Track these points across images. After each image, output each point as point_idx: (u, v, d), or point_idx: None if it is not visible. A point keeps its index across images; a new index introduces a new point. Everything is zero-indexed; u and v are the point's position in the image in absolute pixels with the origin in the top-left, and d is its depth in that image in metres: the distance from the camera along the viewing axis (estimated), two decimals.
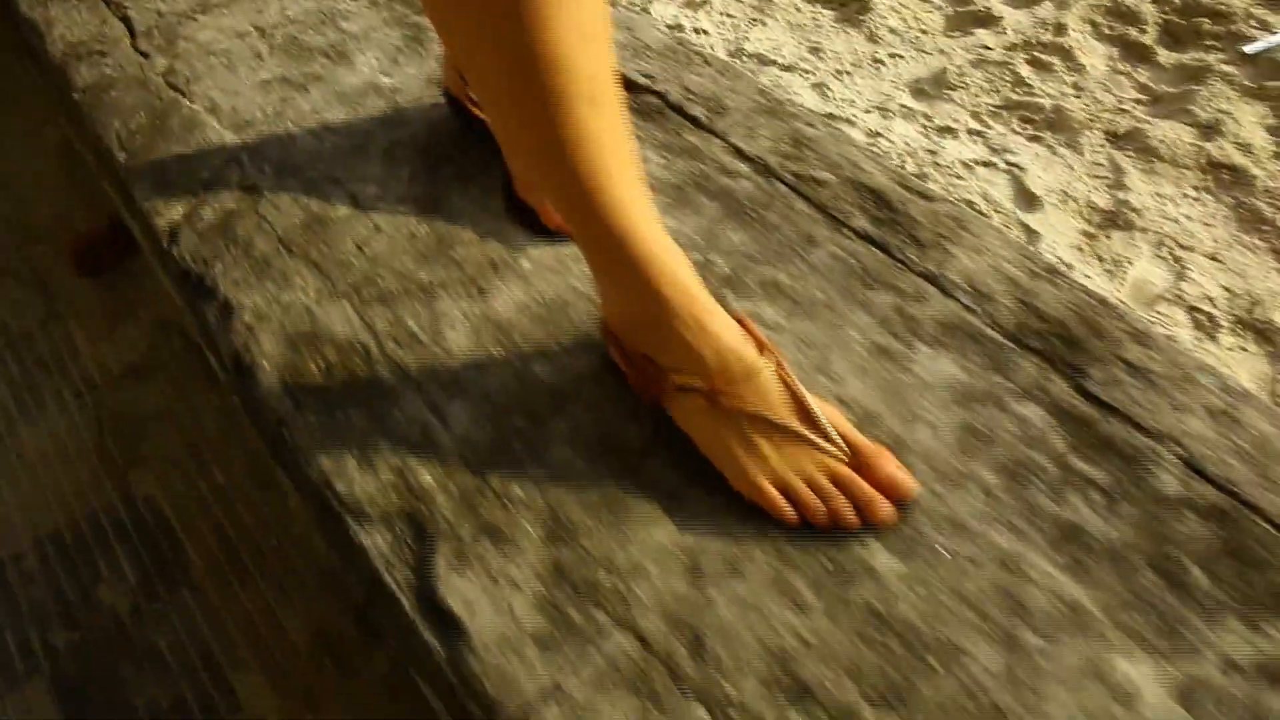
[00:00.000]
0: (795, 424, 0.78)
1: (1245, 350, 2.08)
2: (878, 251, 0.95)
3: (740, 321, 0.81)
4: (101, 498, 1.60)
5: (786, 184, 1.03)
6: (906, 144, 2.37)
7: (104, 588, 1.52)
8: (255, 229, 1.07)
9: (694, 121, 1.13)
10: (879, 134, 2.38)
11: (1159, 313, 2.12)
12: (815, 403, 0.80)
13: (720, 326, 0.78)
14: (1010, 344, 0.88)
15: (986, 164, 2.31)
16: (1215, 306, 2.10)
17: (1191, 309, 2.10)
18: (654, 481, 0.82)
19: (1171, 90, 2.43)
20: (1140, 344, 0.88)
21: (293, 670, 1.43)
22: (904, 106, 2.46)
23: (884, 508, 0.78)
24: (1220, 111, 2.35)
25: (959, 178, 2.27)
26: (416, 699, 1.36)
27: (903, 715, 0.71)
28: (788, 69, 2.57)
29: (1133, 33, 2.57)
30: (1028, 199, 2.25)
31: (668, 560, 0.77)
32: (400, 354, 0.93)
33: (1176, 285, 2.14)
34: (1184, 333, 2.10)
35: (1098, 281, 2.17)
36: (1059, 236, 2.20)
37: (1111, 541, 0.78)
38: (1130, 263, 2.17)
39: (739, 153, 1.07)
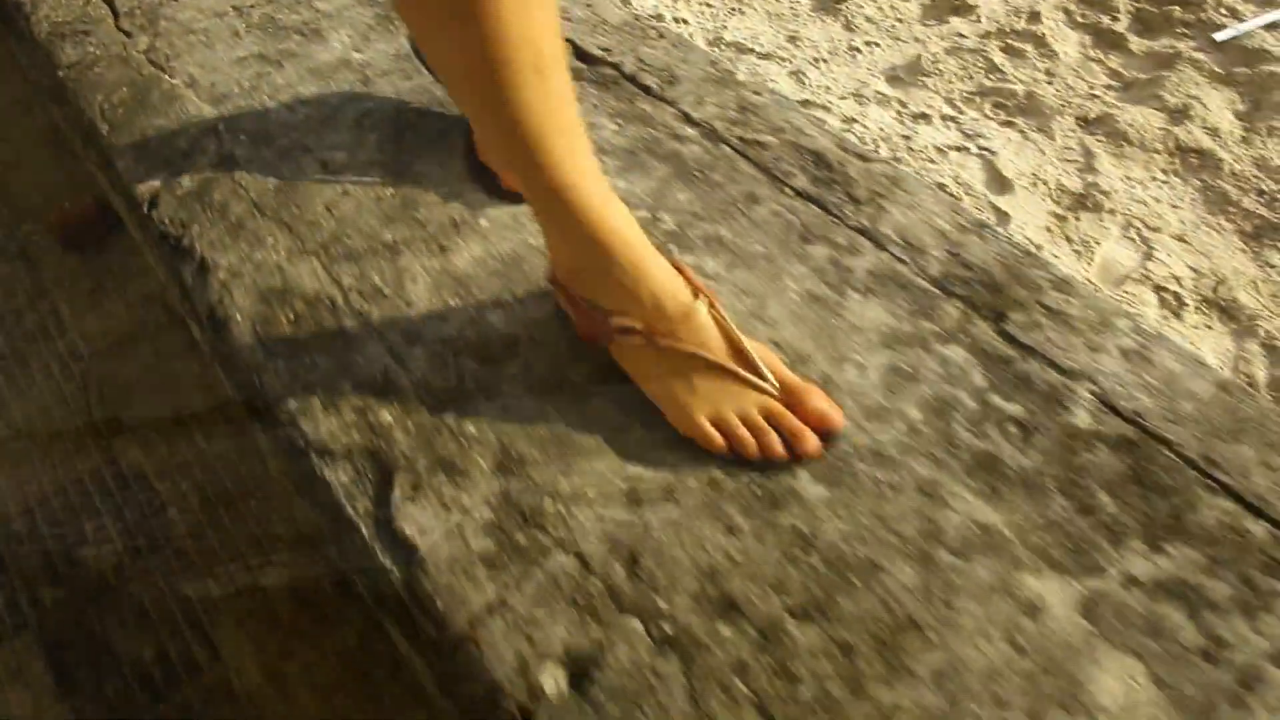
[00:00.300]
0: (728, 362, 0.84)
1: (1210, 328, 2.14)
2: (815, 208, 1.01)
3: (677, 268, 0.87)
4: (88, 463, 1.66)
5: (732, 147, 1.09)
6: (881, 129, 2.43)
7: (90, 548, 1.58)
8: (230, 194, 1.13)
9: (647, 90, 1.19)
10: (854, 120, 2.45)
11: (1126, 292, 2.18)
12: (748, 342, 0.86)
13: (657, 271, 0.84)
14: (937, 291, 0.95)
15: (959, 149, 2.38)
16: (1181, 285, 2.17)
17: (1158, 288, 2.16)
18: (597, 418, 0.88)
19: (1142, 76, 2.49)
20: (1060, 290, 0.94)
21: (271, 625, 1.49)
22: (879, 93, 2.52)
23: (811, 441, 0.83)
24: (1189, 97, 2.42)
25: (931, 161, 2.33)
26: (387, 649, 1.42)
27: (824, 627, 0.77)
28: (765, 57, 2.63)
29: (1105, 20, 2.63)
30: (999, 182, 2.32)
31: (608, 488, 0.83)
32: (364, 306, 0.99)
33: (1144, 265, 2.20)
34: (1150, 311, 2.16)
35: (1066, 262, 2.23)
36: (1029, 218, 2.26)
37: (1025, 470, 0.84)
38: (1098, 243, 2.23)
39: (688, 119, 1.13)
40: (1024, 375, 0.87)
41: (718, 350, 0.84)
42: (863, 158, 1.03)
